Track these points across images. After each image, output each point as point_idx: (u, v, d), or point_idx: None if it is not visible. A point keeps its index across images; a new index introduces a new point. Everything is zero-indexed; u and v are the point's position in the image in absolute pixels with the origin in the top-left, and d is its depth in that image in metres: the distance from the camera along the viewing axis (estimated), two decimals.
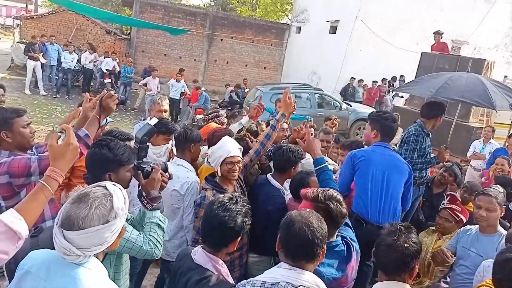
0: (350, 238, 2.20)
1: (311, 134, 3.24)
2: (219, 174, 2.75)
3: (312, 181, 2.82)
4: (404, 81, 13.09)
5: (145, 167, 2.06)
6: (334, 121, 4.98)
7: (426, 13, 14.10)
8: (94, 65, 13.48)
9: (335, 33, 15.90)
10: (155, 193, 2.01)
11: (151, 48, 17.57)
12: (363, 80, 14.46)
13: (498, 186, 3.22)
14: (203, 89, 12.25)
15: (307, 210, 1.83)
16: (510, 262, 1.89)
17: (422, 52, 10.08)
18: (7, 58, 15.58)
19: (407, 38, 14.06)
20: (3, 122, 2.42)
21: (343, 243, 2.13)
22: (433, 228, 3.53)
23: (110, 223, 1.37)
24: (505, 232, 2.82)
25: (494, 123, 8.35)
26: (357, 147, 3.75)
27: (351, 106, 12.44)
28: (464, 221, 3.38)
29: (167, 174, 2.18)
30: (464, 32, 14.67)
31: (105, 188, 1.43)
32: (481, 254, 2.76)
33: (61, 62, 12.53)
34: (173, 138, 3.28)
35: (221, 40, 18.41)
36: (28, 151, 2.56)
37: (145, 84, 11.94)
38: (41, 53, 12.01)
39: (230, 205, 1.89)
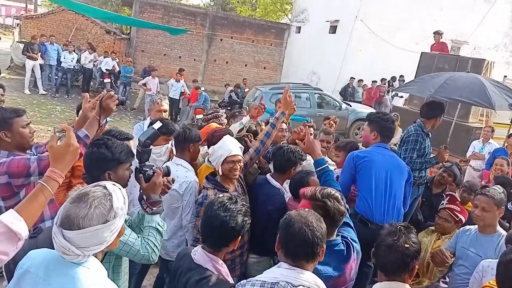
0: (351, 239, 2.20)
1: (311, 134, 3.24)
2: (220, 173, 2.75)
3: (312, 181, 2.81)
4: (404, 81, 13.09)
5: (147, 171, 2.06)
6: (331, 121, 4.99)
7: (426, 13, 14.10)
8: (94, 64, 13.47)
9: (335, 33, 15.90)
10: (155, 197, 2.01)
11: (150, 48, 17.57)
12: (362, 80, 14.46)
13: (499, 186, 3.22)
14: (202, 89, 12.25)
15: (306, 209, 1.83)
16: None
17: (421, 52, 10.09)
18: (6, 57, 15.57)
19: (407, 38, 14.07)
20: (3, 122, 2.42)
21: (343, 243, 2.13)
22: (432, 228, 3.53)
23: (109, 223, 1.37)
24: (504, 233, 2.82)
25: (494, 123, 8.36)
26: (352, 148, 3.74)
27: (350, 106, 12.44)
28: (464, 221, 3.38)
29: (171, 178, 2.18)
30: (463, 32, 14.68)
31: (105, 187, 1.43)
32: (480, 254, 2.77)
33: (61, 62, 12.53)
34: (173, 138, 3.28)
35: (221, 40, 18.41)
36: (27, 151, 2.56)
37: (144, 84, 11.94)
38: (39, 53, 12.02)
39: (230, 204, 1.90)
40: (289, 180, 3.06)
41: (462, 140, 7.78)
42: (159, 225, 2.02)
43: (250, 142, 3.52)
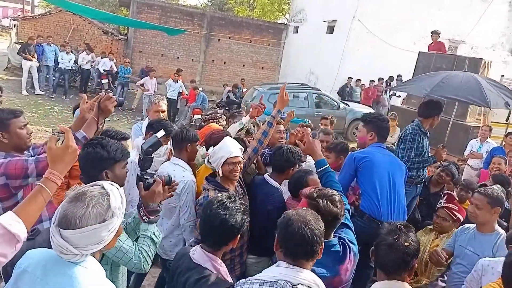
0: (349, 240, 2.20)
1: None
2: (221, 174, 2.75)
3: (311, 180, 2.81)
4: (401, 80, 13.12)
5: (147, 179, 2.06)
6: (328, 120, 4.99)
7: (423, 12, 14.13)
8: (91, 65, 13.46)
9: (332, 33, 15.91)
10: (154, 205, 2.01)
11: (148, 49, 17.54)
12: (360, 80, 14.47)
13: (498, 186, 3.22)
14: (200, 89, 12.24)
15: (303, 208, 1.84)
16: None
17: (419, 52, 10.10)
18: (4, 58, 15.53)
19: (405, 38, 14.09)
20: (0, 123, 2.41)
21: (339, 244, 2.13)
22: (431, 227, 3.54)
23: (107, 222, 1.37)
24: (502, 232, 2.83)
25: (491, 122, 8.39)
26: (342, 148, 3.74)
27: (348, 105, 12.46)
28: (461, 220, 3.39)
29: (175, 182, 2.19)
30: (461, 32, 14.72)
31: (102, 187, 1.43)
32: (477, 253, 2.78)
33: (58, 63, 12.51)
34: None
35: (219, 40, 18.40)
36: (24, 152, 2.56)
37: (142, 85, 11.92)
38: (35, 54, 12.00)
39: (229, 203, 1.91)
40: (288, 180, 3.06)
41: (460, 139, 7.79)
42: (154, 234, 2.01)
43: (249, 142, 3.51)
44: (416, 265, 1.91)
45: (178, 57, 18.01)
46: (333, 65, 14.81)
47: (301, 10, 18.70)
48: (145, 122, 3.85)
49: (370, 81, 14.16)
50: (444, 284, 3.16)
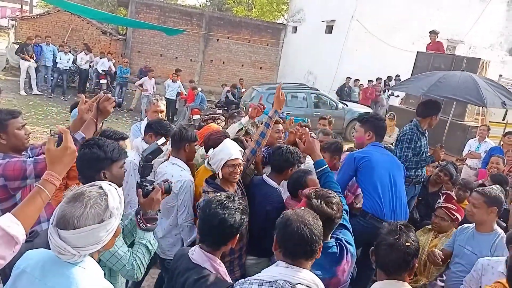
0: (346, 241, 2.20)
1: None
2: (220, 176, 2.74)
3: (310, 180, 2.81)
4: (400, 80, 13.13)
5: (146, 186, 2.05)
6: (326, 121, 5.00)
7: (422, 12, 14.15)
8: (90, 65, 13.43)
9: (331, 33, 15.92)
10: (152, 213, 2.00)
11: (147, 49, 17.53)
12: (359, 80, 14.49)
13: (497, 186, 3.23)
14: (199, 89, 12.24)
15: (302, 208, 1.84)
16: None
17: (417, 52, 10.11)
18: (2, 59, 15.50)
19: (403, 38, 14.10)
20: None
21: (336, 245, 2.13)
22: (429, 227, 3.54)
23: (105, 223, 1.37)
24: (501, 231, 2.83)
25: (489, 122, 8.40)
26: (336, 148, 3.73)
27: (347, 105, 12.47)
28: (460, 219, 3.40)
29: (170, 181, 2.17)
30: (459, 32, 14.73)
31: (100, 187, 1.43)
32: (475, 252, 2.78)
33: (57, 63, 12.49)
34: None
35: (217, 40, 18.40)
36: (23, 153, 2.55)
37: (141, 85, 11.91)
38: (33, 54, 11.98)
39: (228, 203, 1.91)
40: (287, 180, 3.06)
41: (458, 139, 7.80)
42: (150, 243, 2.01)
43: (247, 142, 3.51)
44: (417, 265, 1.91)
45: (176, 57, 17.99)
46: (331, 65, 14.82)
47: (299, 10, 18.70)
48: (144, 122, 3.84)
49: (368, 81, 14.18)
50: (443, 284, 3.16)
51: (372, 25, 14.07)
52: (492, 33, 15.65)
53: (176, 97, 12.01)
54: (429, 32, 10.45)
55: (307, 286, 1.63)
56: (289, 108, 10.27)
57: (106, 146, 2.01)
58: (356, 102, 13.72)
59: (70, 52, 13.01)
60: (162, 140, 2.23)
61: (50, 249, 1.37)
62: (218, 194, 2.02)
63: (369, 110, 12.22)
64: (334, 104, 12.13)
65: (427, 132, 4.25)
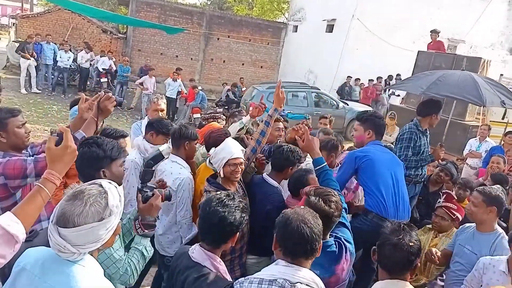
0: (345, 239, 2.20)
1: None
2: (222, 175, 2.74)
3: (311, 179, 2.81)
4: (401, 79, 13.12)
5: (146, 191, 2.04)
6: (327, 120, 4.99)
7: (423, 11, 14.14)
8: (91, 64, 13.44)
9: (331, 32, 15.90)
10: (150, 219, 1.99)
11: (147, 47, 17.52)
12: (359, 79, 14.48)
13: (498, 186, 3.22)
14: (199, 88, 12.24)
15: (301, 207, 1.84)
16: None
17: (418, 51, 10.10)
18: (2, 57, 15.51)
19: (404, 37, 14.09)
20: None
21: (335, 244, 2.13)
22: (429, 226, 3.54)
23: (105, 221, 1.37)
24: (501, 231, 2.83)
25: (490, 121, 8.39)
26: (332, 146, 3.71)
27: (348, 105, 12.48)
28: (460, 219, 3.40)
29: (165, 182, 2.18)
30: (460, 31, 14.72)
31: (100, 185, 1.43)
32: (475, 252, 2.78)
33: (57, 61, 12.49)
34: None
35: (218, 39, 18.38)
36: (23, 151, 2.55)
37: (141, 83, 11.91)
38: (34, 53, 11.98)
39: (228, 201, 1.91)
40: (288, 179, 3.06)
41: (459, 138, 7.80)
42: (146, 249, 2.00)
43: (248, 140, 3.51)
44: (419, 264, 1.91)
45: (177, 56, 17.99)
46: (332, 64, 14.80)
47: (300, 9, 18.68)
48: (145, 121, 3.84)
49: (369, 80, 14.16)
50: (443, 283, 3.16)
51: (373, 24, 14.06)
52: (493, 33, 15.64)
53: (176, 96, 12.01)
54: (430, 31, 10.43)
55: (307, 285, 1.63)
56: (290, 107, 10.27)
57: (105, 145, 2.00)
58: (357, 101, 13.72)
59: (70, 50, 13.02)
60: (164, 146, 2.22)
61: (50, 247, 1.37)
62: (219, 192, 2.02)
63: (370, 109, 12.21)
64: (335, 103, 12.13)
65: (428, 131, 4.24)
